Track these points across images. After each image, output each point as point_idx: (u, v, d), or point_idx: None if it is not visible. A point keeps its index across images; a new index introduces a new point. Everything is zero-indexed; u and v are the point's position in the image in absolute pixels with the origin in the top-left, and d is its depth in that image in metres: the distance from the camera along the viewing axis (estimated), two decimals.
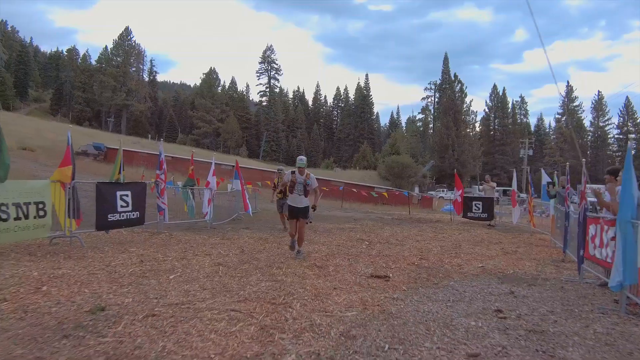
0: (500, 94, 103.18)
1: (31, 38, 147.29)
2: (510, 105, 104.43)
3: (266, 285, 6.13)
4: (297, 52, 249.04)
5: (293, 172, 8.45)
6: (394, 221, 18.08)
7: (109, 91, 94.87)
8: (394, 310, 5.24)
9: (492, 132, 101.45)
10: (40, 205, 7.75)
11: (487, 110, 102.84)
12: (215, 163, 14.97)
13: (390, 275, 7.28)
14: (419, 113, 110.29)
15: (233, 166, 18.39)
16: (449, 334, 4.45)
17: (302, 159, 8.54)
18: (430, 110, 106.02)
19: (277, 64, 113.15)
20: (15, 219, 7.26)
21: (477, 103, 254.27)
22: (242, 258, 8.07)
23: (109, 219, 9.15)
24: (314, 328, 4.45)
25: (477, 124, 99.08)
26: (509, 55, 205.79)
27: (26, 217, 7.47)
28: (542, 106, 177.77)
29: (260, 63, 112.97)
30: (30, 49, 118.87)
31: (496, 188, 19.99)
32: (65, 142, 8.70)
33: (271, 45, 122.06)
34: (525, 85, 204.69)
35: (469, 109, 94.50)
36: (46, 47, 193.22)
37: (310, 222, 8.53)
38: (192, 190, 13.60)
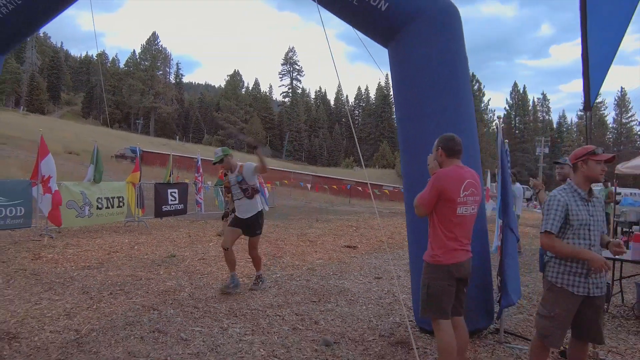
0: (521, 91, 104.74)
1: (62, 43, 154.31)
2: (530, 103, 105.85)
3: (271, 249, 9.56)
4: (320, 51, 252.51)
5: (226, 174, 6.47)
6: (388, 215, 21.36)
7: (137, 94, 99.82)
8: (347, 261, 8.62)
9: (513, 130, 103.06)
10: (120, 199, 11.36)
11: (507, 108, 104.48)
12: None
13: (359, 246, 10.62)
14: None
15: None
16: (371, 272, 7.80)
17: (217, 152, 6.12)
18: None
19: (299, 65, 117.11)
20: (106, 207, 10.88)
21: (501, 100, 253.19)
22: None
23: (163, 209, 12.76)
24: (293, 265, 7.87)
25: (498, 122, 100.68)
26: (534, 51, 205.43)
27: (112, 206, 11.09)
28: (569, 101, 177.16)
29: (282, 64, 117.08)
30: (61, 54, 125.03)
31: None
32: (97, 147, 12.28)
33: (293, 47, 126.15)
34: (553, 80, 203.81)
35: (487, 107, 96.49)
36: (75, 52, 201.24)
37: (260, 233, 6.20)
38: (221, 188, 17.23)
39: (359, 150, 4.70)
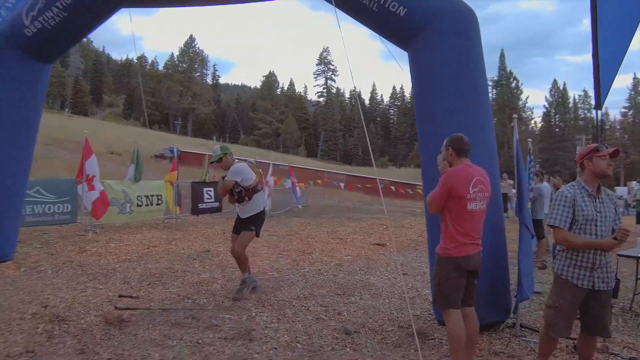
0: (561, 88, 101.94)
1: (103, 47, 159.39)
2: (571, 100, 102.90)
3: (302, 244, 9.88)
4: (354, 51, 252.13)
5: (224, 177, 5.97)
6: (421, 214, 21.37)
7: (175, 96, 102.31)
8: (375, 257, 8.83)
9: (553, 128, 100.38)
10: (159, 197, 11.91)
11: (547, 105, 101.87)
12: (273, 164, 19.00)
13: (388, 244, 10.80)
14: None
15: (289, 166, 22.33)
16: (397, 268, 8.00)
17: (215, 149, 5.97)
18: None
19: (333, 65, 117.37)
20: (145, 205, 11.43)
21: (540, 97, 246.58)
22: (289, 233, 11.86)
23: (199, 207, 13.26)
24: (322, 261, 8.15)
25: (537, 119, 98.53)
26: (575, 46, 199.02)
27: (151, 204, 11.64)
28: (612, 98, 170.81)
29: (317, 65, 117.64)
30: (103, 58, 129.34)
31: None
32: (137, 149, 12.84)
33: (327, 47, 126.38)
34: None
35: (525, 105, 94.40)
36: (116, 55, 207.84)
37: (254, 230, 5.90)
38: None
39: (370, 148, 4.92)
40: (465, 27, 4.91)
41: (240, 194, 5.73)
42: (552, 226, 3.33)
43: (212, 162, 6.04)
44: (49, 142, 35.45)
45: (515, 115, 5.07)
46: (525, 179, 4.60)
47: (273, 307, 5.28)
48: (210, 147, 63.75)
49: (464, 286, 3.55)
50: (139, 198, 11.24)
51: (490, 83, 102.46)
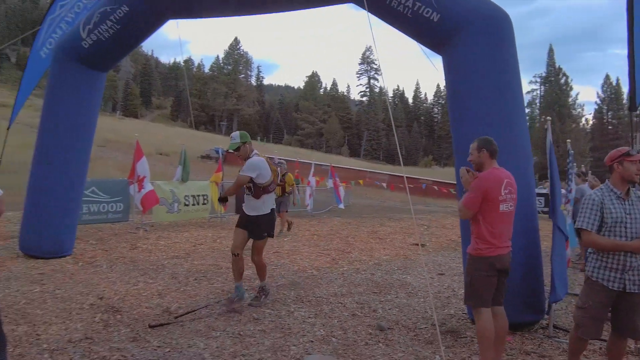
0: (614, 83, 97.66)
1: (152, 51, 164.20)
2: (625, 95, 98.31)
3: (341, 244, 10.08)
4: (397, 50, 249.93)
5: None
6: None
7: (221, 97, 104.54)
8: (413, 257, 8.92)
9: (605, 125, 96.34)
10: (205, 197, 12.39)
11: (598, 102, 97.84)
12: (315, 164, 19.31)
13: (427, 244, 10.85)
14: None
15: (331, 166, 22.59)
16: (435, 268, 8.08)
17: (233, 137, 5.45)
18: (536, 104, 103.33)
19: (376, 64, 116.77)
20: (192, 204, 11.93)
21: (592, 93, 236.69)
22: (330, 232, 12.09)
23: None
24: (360, 260, 8.33)
25: (589, 117, 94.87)
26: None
27: (197, 203, 12.13)
28: None
29: (360, 64, 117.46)
30: (152, 62, 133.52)
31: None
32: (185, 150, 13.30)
33: (370, 47, 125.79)
34: None
35: (575, 102, 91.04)
36: (164, 58, 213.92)
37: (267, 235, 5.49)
38: (297, 187, 18.01)
39: (397, 146, 5.07)
40: (498, 30, 4.98)
41: (251, 189, 5.22)
42: (579, 229, 3.39)
43: (228, 151, 5.40)
44: (102, 144, 37.07)
45: (549, 118, 5.06)
46: (557, 182, 4.63)
47: (311, 303, 5.51)
48: (256, 147, 64.63)
49: (495, 285, 3.66)
50: (186, 198, 11.75)
51: (537, 79, 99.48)
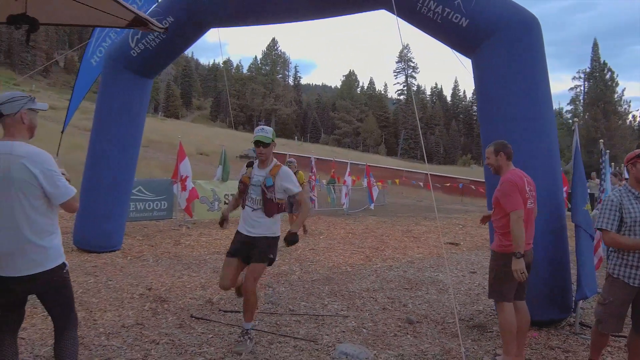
0: None
1: (192, 53, 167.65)
2: None
3: (376, 242, 10.30)
4: (435, 47, 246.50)
5: (250, 164, 4.38)
6: None
7: (259, 97, 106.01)
8: (446, 256, 9.06)
9: None
10: None
11: None
12: (351, 164, 19.61)
13: (462, 243, 10.93)
14: (567, 104, 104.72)
15: (366, 165, 22.80)
16: (468, 267, 8.20)
17: (266, 130, 4.13)
18: (580, 101, 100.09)
19: (413, 62, 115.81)
20: None
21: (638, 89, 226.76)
22: (365, 231, 12.31)
23: None
24: (394, 258, 8.54)
25: (636, 114, 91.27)
26: None
27: None
28: None
29: (397, 62, 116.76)
30: (192, 63, 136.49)
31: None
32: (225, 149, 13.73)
33: (407, 44, 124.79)
34: None
35: (621, 98, 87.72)
36: (204, 60, 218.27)
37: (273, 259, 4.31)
38: (334, 186, 18.30)
39: (422, 144, 5.24)
40: (527, 34, 5.11)
41: (269, 203, 4.09)
42: (599, 229, 3.54)
43: (259, 142, 4.04)
44: (146, 144, 38.31)
45: (576, 119, 5.17)
46: (581, 182, 4.74)
47: (344, 297, 5.78)
48: (292, 147, 65.80)
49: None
50: (226, 196, 12.21)
51: (581, 75, 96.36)
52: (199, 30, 7.01)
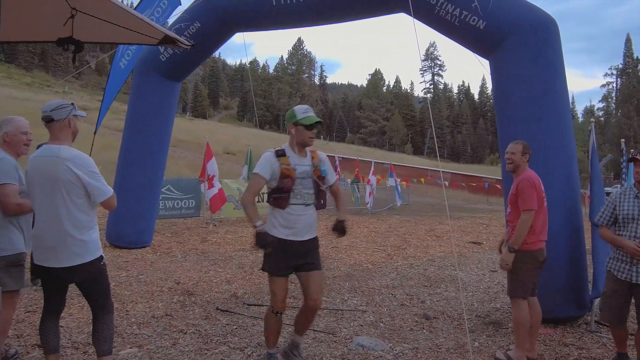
0: None
1: (219, 53, 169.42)
2: None
3: (398, 241, 10.43)
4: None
5: (280, 152, 3.47)
6: None
7: (285, 97, 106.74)
8: (468, 255, 9.14)
9: None
10: None
11: None
12: (375, 163, 19.75)
13: (484, 242, 10.96)
14: (599, 101, 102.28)
15: (390, 164, 22.89)
16: (488, 266, 8.27)
17: (308, 109, 3.53)
18: (612, 98, 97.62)
19: (440, 60, 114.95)
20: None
21: None
22: (388, 229, 12.44)
23: None
24: (415, 256, 8.66)
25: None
26: None
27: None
28: None
29: (423, 60, 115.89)
30: (219, 64, 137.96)
31: None
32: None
33: (434, 42, 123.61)
34: None
35: None
36: (230, 60, 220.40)
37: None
38: (358, 185, 18.45)
39: (435, 142, 5.36)
40: (544, 36, 5.18)
41: (322, 195, 3.61)
42: (593, 222, 3.76)
43: (311, 124, 3.44)
44: (174, 144, 38.96)
45: (592, 120, 5.21)
46: (597, 183, 4.81)
47: (364, 294, 5.95)
48: (317, 146, 65.59)
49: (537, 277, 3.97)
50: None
51: (614, 72, 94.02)
52: (225, 35, 7.28)
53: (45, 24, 2.41)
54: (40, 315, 3.12)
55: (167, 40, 2.37)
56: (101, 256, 3.08)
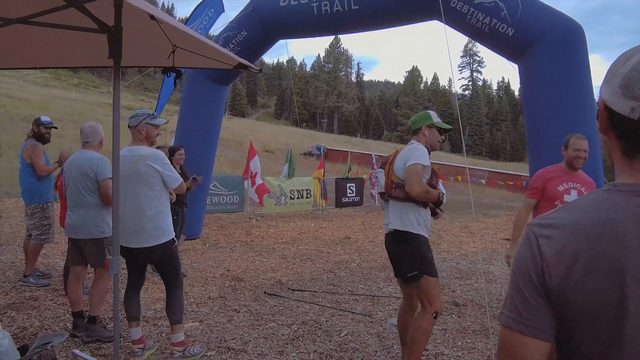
0: None
1: None
2: None
3: (432, 237, 10.64)
4: None
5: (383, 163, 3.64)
6: None
7: (322, 95, 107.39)
8: (501, 251, 9.42)
9: None
10: (308, 191, 13.68)
11: None
12: None
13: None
14: None
15: None
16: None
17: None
18: None
19: (479, 57, 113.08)
20: (297, 198, 13.27)
21: None
22: None
23: (342, 201, 14.81)
24: (448, 251, 9.04)
25: None
26: None
27: (302, 197, 13.44)
28: None
29: (461, 57, 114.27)
30: (257, 63, 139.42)
31: None
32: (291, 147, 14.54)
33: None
34: None
35: None
36: (268, 59, 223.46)
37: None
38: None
39: (462, 138, 5.72)
40: (570, 41, 5.51)
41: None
42: None
43: (442, 127, 3.60)
44: None
45: None
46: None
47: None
48: (354, 144, 66.44)
49: None
50: (292, 192, 13.11)
51: None
52: (270, 42, 7.86)
53: (153, 53, 3.07)
54: (124, 290, 3.74)
55: (240, 66, 2.92)
56: (173, 239, 3.65)
